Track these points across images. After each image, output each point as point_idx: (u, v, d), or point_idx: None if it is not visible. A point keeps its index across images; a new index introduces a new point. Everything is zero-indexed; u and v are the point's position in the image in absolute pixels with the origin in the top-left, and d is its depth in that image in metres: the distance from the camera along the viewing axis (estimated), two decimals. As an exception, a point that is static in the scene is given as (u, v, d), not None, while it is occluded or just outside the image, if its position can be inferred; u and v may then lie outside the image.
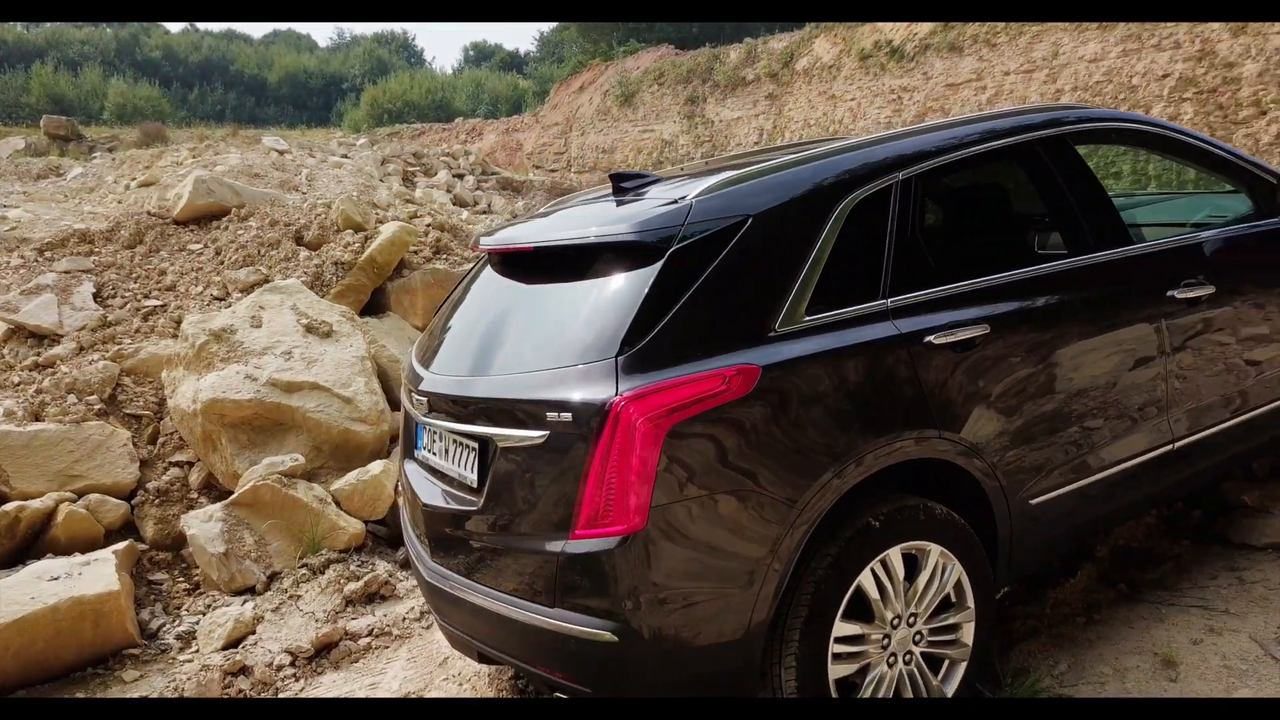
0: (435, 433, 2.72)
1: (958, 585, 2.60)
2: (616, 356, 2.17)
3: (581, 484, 2.13)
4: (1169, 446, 3.10)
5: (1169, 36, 16.05)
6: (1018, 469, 2.69)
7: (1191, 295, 3.06)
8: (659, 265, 2.25)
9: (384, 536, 4.96)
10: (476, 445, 2.46)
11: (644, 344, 2.17)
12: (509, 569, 2.36)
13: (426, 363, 2.82)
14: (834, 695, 2.38)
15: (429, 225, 7.56)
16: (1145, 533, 3.91)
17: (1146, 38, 16.31)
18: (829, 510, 2.34)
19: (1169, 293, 3.02)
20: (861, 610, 2.45)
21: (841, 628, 2.38)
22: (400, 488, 3.23)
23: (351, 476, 4.94)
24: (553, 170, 25.80)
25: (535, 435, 2.23)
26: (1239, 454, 3.47)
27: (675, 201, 2.39)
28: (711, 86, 23.00)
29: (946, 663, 2.63)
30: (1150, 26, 16.19)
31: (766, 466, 2.24)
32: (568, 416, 2.16)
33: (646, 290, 2.22)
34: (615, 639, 2.13)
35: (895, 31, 19.78)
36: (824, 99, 20.78)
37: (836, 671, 2.40)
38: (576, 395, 2.17)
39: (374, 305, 6.80)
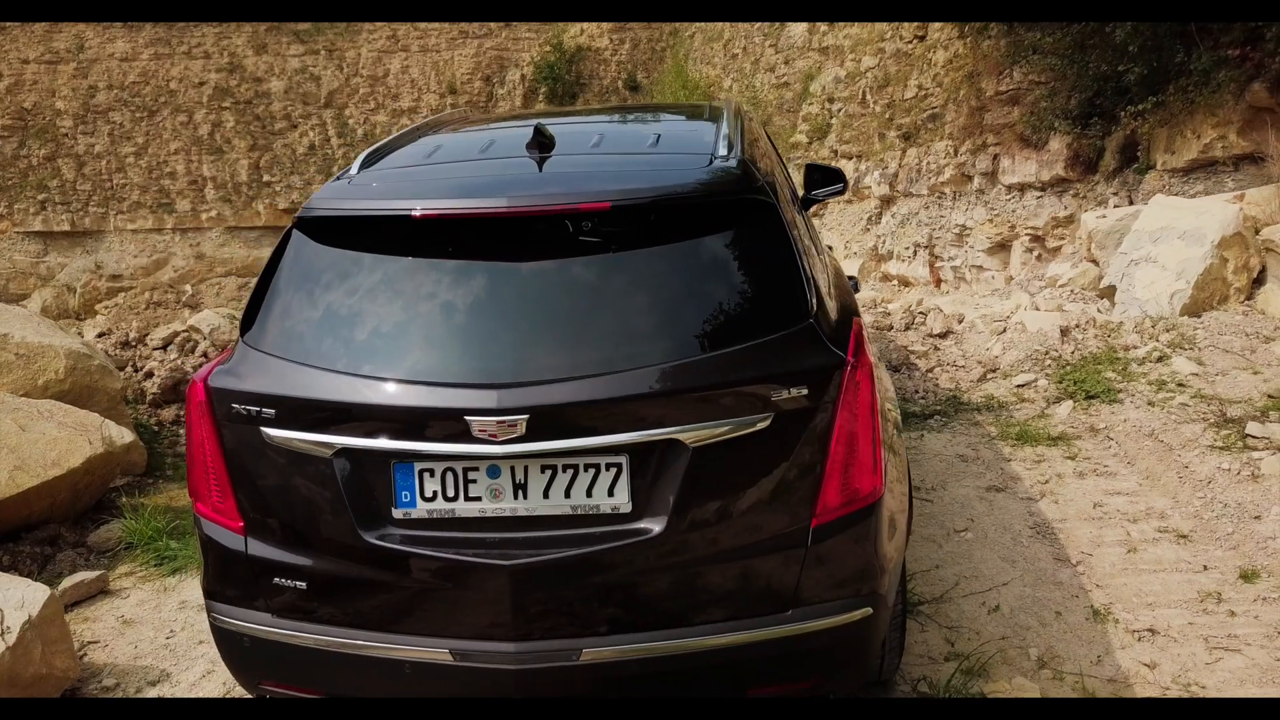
0: (488, 469, 2.12)
1: None
2: (811, 318, 2.12)
3: (827, 458, 2.09)
4: None
5: (198, 45, 16.58)
6: None
7: None
8: (778, 224, 2.24)
9: None
10: (623, 458, 2.11)
11: (816, 302, 2.17)
12: (704, 593, 2.11)
13: (462, 375, 2.12)
14: None
15: None
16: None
17: (176, 44, 16.54)
18: None
19: None
20: None
21: None
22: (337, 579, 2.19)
23: None
24: None
25: (758, 419, 2.04)
26: None
27: (713, 159, 2.38)
28: None
29: None
30: (179, 31, 16.44)
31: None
32: (802, 390, 2.05)
33: (790, 247, 2.21)
34: (871, 610, 2.13)
35: None
36: None
37: None
38: (808, 363, 2.07)
39: None
